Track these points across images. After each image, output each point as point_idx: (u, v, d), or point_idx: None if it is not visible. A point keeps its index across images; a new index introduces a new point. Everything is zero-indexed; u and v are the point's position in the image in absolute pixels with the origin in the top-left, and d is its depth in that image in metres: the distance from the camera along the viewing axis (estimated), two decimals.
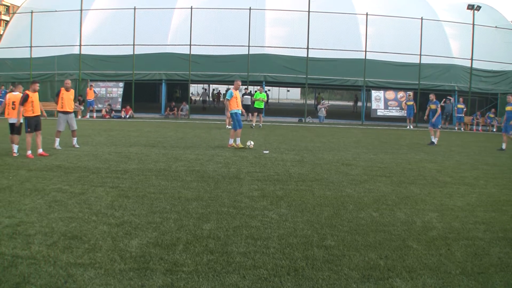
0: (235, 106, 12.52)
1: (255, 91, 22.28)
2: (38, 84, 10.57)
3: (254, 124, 20.09)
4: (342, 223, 5.46)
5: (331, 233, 5.04)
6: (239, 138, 12.53)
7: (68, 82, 12.07)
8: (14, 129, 10.02)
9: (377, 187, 7.66)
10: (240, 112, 12.77)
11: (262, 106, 20.67)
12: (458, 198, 7.04)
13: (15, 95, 10.24)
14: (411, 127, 24.21)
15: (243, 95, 21.60)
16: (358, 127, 23.23)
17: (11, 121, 10.11)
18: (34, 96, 10.17)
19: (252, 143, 12.40)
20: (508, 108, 14.91)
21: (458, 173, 9.45)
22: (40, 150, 10.09)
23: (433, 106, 15.90)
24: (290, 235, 4.92)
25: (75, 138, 11.75)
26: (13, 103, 10.11)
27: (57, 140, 11.43)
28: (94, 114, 24.40)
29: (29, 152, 9.81)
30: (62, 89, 11.75)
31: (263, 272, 3.91)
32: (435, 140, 15.38)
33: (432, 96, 16.36)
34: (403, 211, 6.12)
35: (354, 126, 24.21)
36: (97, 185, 7.11)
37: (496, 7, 69.28)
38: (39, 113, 10.31)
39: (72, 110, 11.83)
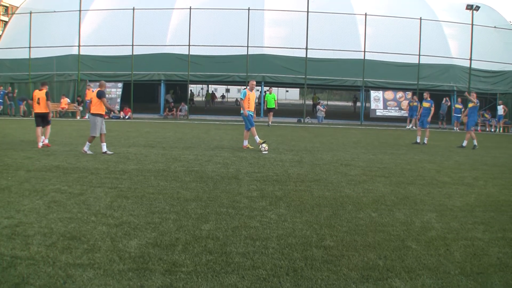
0: (247, 107, 12.43)
1: (265, 93, 23.26)
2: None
3: (270, 123, 21.90)
4: (341, 223, 5.46)
5: (330, 234, 5.04)
6: (257, 136, 12.48)
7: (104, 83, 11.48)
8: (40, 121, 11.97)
9: (376, 187, 7.66)
10: (252, 114, 12.62)
11: (274, 106, 22.42)
12: (457, 198, 7.04)
13: (40, 92, 12.09)
14: (414, 127, 24.12)
15: None
16: (357, 127, 23.25)
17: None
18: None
19: (266, 146, 11.86)
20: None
21: (457, 173, 9.45)
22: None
23: (426, 104, 15.90)
24: (289, 236, 4.92)
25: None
26: (38, 99, 11.99)
27: (104, 144, 10.78)
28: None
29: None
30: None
31: (262, 273, 3.91)
32: (419, 139, 15.38)
33: (426, 95, 16.41)
34: (402, 211, 6.13)
35: (353, 126, 24.23)
36: (96, 186, 7.11)
37: (495, 7, 69.35)
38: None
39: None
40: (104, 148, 10.72)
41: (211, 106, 42.57)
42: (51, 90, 25.29)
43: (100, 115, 10.87)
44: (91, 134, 10.71)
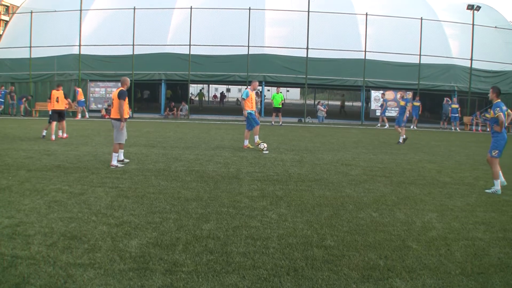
0: (250, 106, 12.49)
1: (273, 93, 23.50)
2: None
3: (273, 123, 22.34)
4: (341, 223, 5.46)
5: (330, 233, 5.04)
6: (257, 136, 12.58)
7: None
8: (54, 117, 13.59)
9: (376, 187, 7.66)
10: (253, 113, 12.67)
11: (280, 106, 22.66)
12: (457, 198, 7.04)
13: (58, 91, 13.83)
14: (415, 127, 24.03)
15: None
16: (358, 127, 23.23)
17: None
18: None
19: (265, 145, 11.91)
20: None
21: (457, 173, 9.45)
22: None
23: (402, 103, 16.05)
24: (289, 235, 4.92)
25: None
26: (57, 98, 13.71)
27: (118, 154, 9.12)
28: (86, 114, 24.33)
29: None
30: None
31: (263, 272, 3.91)
32: (401, 138, 15.28)
33: (402, 93, 16.92)
34: (403, 211, 6.12)
35: (354, 126, 24.22)
36: (96, 185, 7.11)
37: (496, 7, 69.43)
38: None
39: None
40: (122, 156, 9.34)
41: (202, 106, 41.26)
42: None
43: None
44: (121, 141, 9.06)
